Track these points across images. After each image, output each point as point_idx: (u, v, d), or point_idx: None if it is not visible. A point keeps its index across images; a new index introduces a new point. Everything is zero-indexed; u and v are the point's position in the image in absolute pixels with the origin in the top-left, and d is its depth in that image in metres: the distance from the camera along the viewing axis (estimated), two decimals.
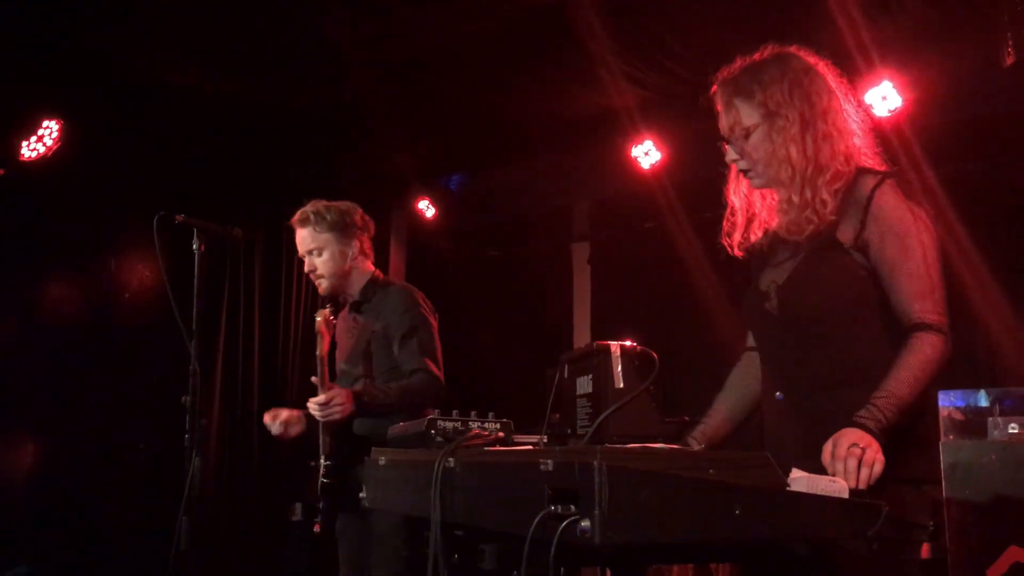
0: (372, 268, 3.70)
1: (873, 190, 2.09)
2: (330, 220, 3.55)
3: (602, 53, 5.07)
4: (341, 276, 3.59)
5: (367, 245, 3.67)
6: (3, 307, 5.29)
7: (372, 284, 3.64)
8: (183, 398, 2.94)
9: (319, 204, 3.59)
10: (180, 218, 3.07)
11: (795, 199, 2.15)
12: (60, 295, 5.68)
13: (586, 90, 5.69)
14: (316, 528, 3.35)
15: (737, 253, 2.40)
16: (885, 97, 4.96)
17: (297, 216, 3.60)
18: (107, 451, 5.50)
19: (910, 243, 2.05)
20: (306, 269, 3.60)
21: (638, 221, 6.88)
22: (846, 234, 2.10)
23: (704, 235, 6.14)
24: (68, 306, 5.65)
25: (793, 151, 2.14)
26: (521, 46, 5.24)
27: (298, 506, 3.48)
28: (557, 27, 4.94)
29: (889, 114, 4.96)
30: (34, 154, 5.51)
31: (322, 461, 3.33)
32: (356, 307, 3.66)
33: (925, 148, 4.85)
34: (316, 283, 3.62)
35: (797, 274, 2.16)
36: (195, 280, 3.12)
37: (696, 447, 2.31)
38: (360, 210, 3.67)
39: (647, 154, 6.17)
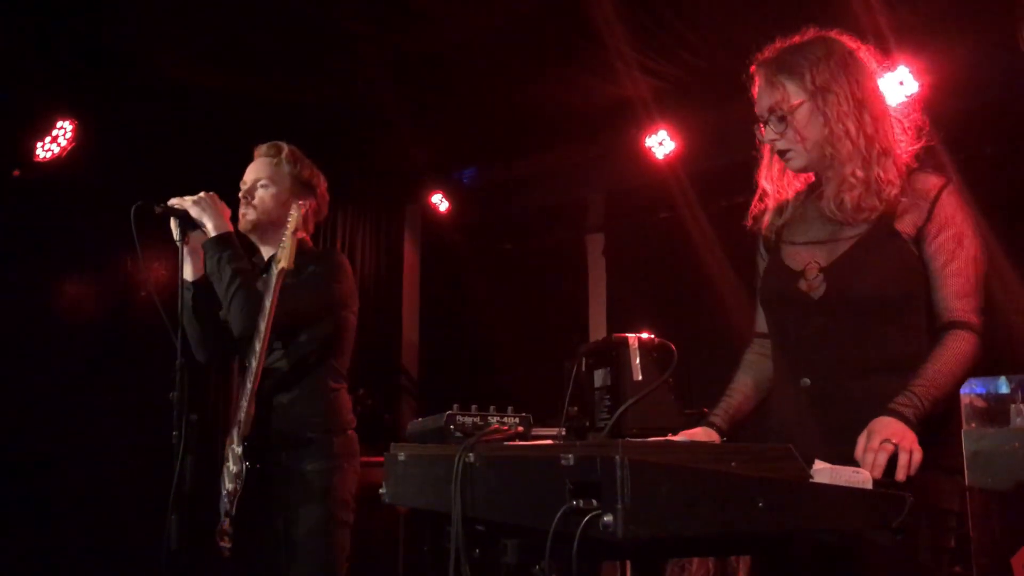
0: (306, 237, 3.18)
1: (941, 189, 2.10)
2: (299, 167, 3.15)
3: (616, 44, 5.05)
4: (273, 222, 3.09)
5: (311, 220, 3.20)
6: (20, 307, 5.32)
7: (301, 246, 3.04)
8: (171, 394, 2.74)
9: (295, 147, 3.20)
10: (160, 208, 2.86)
11: (860, 174, 2.12)
12: (76, 295, 5.71)
13: (599, 81, 5.68)
14: (225, 540, 2.88)
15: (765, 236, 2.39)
16: (902, 82, 4.93)
17: (267, 145, 3.18)
18: (121, 449, 5.52)
19: (965, 243, 2.07)
20: (241, 193, 3.12)
21: (653, 211, 6.86)
22: (907, 225, 2.10)
23: (719, 224, 6.13)
24: (84, 305, 5.68)
25: (851, 127, 2.12)
26: (534, 38, 5.23)
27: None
28: (570, 18, 4.93)
29: (906, 99, 4.92)
30: (49, 155, 5.53)
31: (236, 436, 2.86)
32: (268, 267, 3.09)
33: (941, 133, 4.79)
34: (242, 212, 3.11)
35: (851, 256, 2.13)
36: (180, 272, 2.94)
37: (719, 424, 2.29)
38: (326, 187, 3.26)
39: (661, 144, 6.15)
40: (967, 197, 2.16)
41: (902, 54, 4.88)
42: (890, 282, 2.08)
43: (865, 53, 2.22)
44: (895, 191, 2.11)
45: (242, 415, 2.85)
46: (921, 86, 4.92)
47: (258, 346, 2.80)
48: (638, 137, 6.22)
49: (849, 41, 2.22)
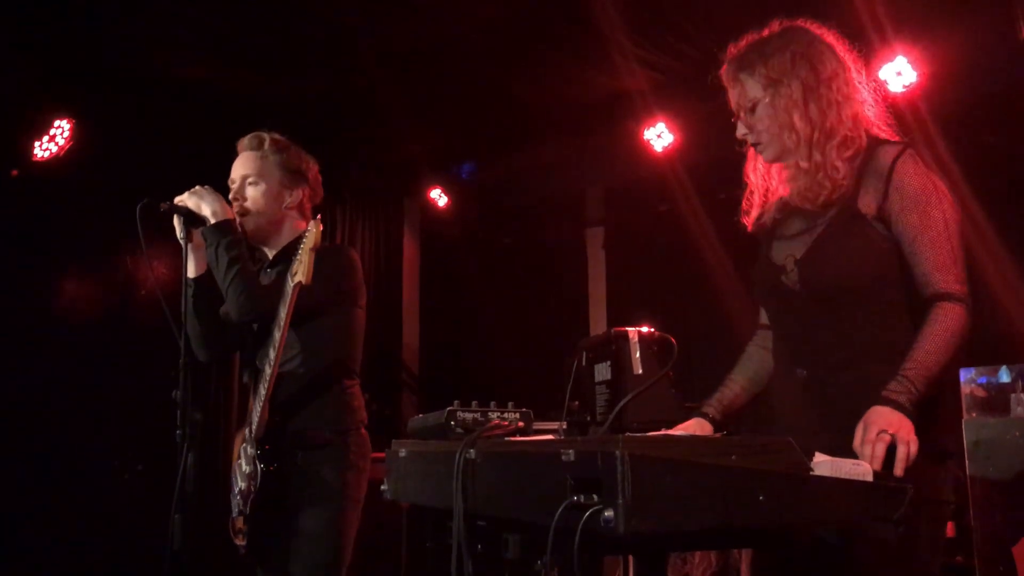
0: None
1: (895, 160, 2.08)
2: (286, 156, 3.07)
3: (615, 36, 5.05)
4: (271, 221, 3.06)
5: (308, 207, 3.14)
6: (20, 306, 5.32)
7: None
8: (174, 393, 2.72)
9: (279, 136, 3.12)
10: (165, 206, 2.84)
11: (803, 164, 2.15)
12: (76, 294, 5.71)
13: (597, 74, 5.67)
14: (239, 538, 2.92)
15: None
16: (900, 72, 4.92)
17: (249, 137, 3.10)
18: (123, 447, 5.53)
19: (932, 213, 2.04)
20: (232, 194, 3.03)
21: (652, 204, 6.86)
22: (868, 205, 2.09)
23: (718, 216, 6.12)
24: (84, 304, 5.68)
25: (796, 117, 2.14)
26: (532, 31, 5.22)
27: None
28: (568, 11, 4.92)
29: (904, 89, 4.91)
30: (47, 154, 5.53)
31: (249, 437, 2.88)
32: (274, 263, 3.09)
33: (940, 123, 4.80)
34: (238, 219, 3.03)
35: (818, 247, 2.14)
36: (184, 271, 2.93)
37: (712, 415, 2.30)
38: (318, 169, 3.18)
39: (660, 136, 6.15)
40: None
41: (900, 44, 4.87)
42: (858, 267, 2.08)
43: (832, 38, 2.23)
44: (841, 173, 2.11)
45: (255, 418, 2.84)
46: (920, 76, 4.91)
47: (272, 353, 2.79)
48: (637, 130, 6.21)
49: (814, 28, 2.24)
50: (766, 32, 2.25)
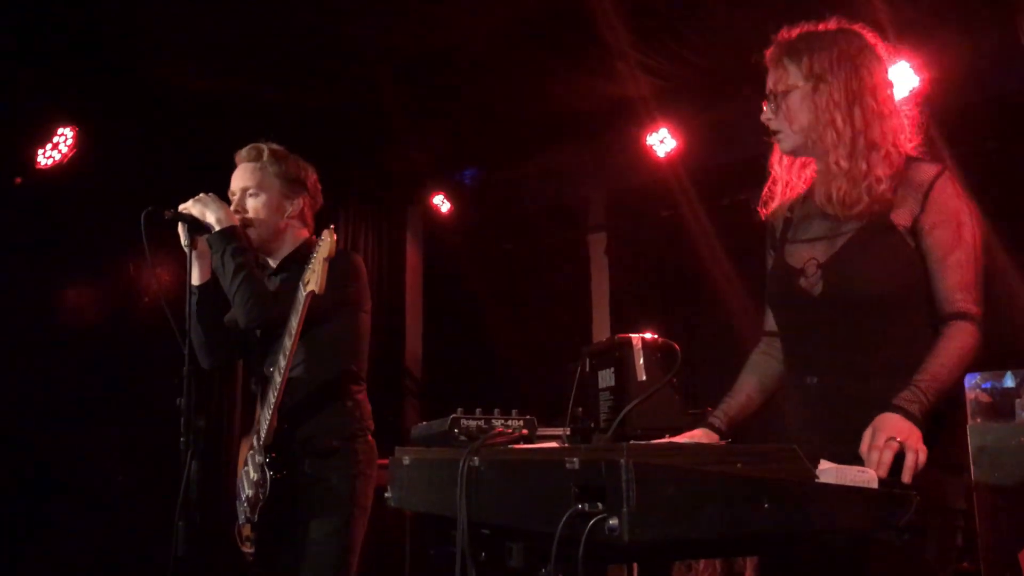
0: (308, 236, 3.17)
1: (935, 178, 2.09)
2: (284, 166, 3.08)
3: (617, 43, 5.06)
4: (273, 231, 3.07)
5: (309, 215, 3.17)
6: (25, 314, 5.32)
7: (306, 246, 3.05)
8: (178, 400, 2.72)
9: (276, 146, 3.13)
10: (169, 213, 2.85)
11: (843, 164, 2.13)
12: (79, 301, 5.72)
13: (600, 80, 5.68)
14: (246, 545, 2.94)
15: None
16: (903, 77, 4.92)
17: (247, 149, 3.12)
18: (127, 455, 5.53)
19: (963, 234, 2.06)
20: (232, 206, 3.04)
21: (655, 210, 6.86)
22: (902, 217, 2.09)
23: (721, 222, 6.13)
24: (88, 312, 5.68)
25: (838, 118, 2.13)
26: (536, 39, 5.23)
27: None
28: (571, 18, 4.93)
29: (906, 95, 4.91)
30: (50, 162, 5.55)
31: (256, 445, 2.89)
32: (277, 271, 3.12)
33: (942, 128, 4.79)
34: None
35: (846, 252, 2.12)
36: (188, 278, 2.93)
37: (718, 426, 2.29)
38: (316, 176, 3.21)
39: (662, 142, 6.15)
40: (964, 186, 2.16)
41: (903, 49, 4.87)
42: (887, 278, 2.08)
43: (884, 50, 2.24)
44: (883, 187, 2.10)
45: (264, 425, 2.84)
46: (922, 81, 4.91)
47: (283, 360, 2.79)
48: (639, 136, 6.22)
49: (869, 36, 2.24)
50: (822, 27, 2.24)
